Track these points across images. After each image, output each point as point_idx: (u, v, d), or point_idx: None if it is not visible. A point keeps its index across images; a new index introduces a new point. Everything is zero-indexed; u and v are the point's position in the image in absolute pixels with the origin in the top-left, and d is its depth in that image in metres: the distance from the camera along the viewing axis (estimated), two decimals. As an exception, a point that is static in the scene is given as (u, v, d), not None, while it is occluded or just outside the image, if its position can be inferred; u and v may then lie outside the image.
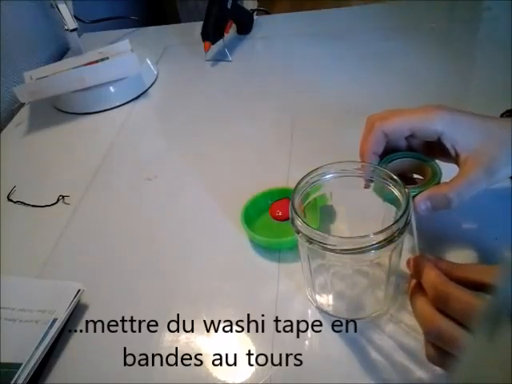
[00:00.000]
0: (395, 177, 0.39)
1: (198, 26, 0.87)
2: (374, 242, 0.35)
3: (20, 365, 0.42)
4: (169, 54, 0.95)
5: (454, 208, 0.41)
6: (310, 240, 0.37)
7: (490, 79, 0.70)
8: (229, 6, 0.87)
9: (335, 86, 0.77)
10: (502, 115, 0.53)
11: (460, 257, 0.47)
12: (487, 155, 0.40)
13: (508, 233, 0.48)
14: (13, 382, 0.41)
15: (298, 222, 0.38)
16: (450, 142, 0.42)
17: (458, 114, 0.42)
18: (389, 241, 0.36)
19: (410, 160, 0.45)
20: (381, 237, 0.35)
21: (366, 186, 0.43)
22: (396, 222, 0.36)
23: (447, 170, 0.44)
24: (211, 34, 0.85)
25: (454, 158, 0.42)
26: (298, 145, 0.65)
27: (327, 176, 0.42)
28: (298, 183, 0.41)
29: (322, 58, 0.84)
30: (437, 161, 0.46)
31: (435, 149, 0.44)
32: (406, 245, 0.40)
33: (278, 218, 0.54)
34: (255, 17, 0.99)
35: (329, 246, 0.36)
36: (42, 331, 0.44)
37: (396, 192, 0.39)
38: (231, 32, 0.93)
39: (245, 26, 0.96)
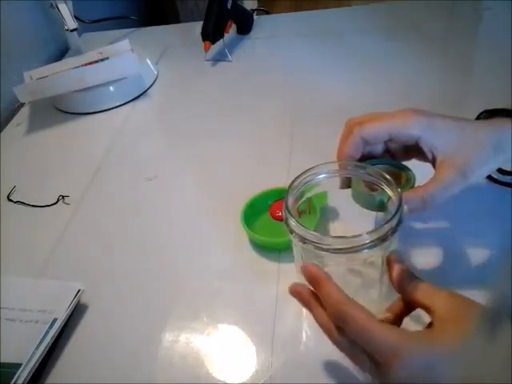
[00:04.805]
0: (388, 176, 0.39)
1: (198, 26, 0.87)
2: (367, 241, 0.36)
3: (20, 365, 0.42)
4: (169, 54, 0.95)
5: (428, 210, 0.42)
6: (304, 240, 0.37)
7: (490, 79, 0.70)
8: (229, 6, 0.87)
9: (335, 85, 0.76)
10: (478, 116, 0.53)
11: (459, 257, 0.47)
12: (462, 158, 0.41)
13: (508, 233, 0.48)
14: (13, 381, 0.41)
15: (292, 222, 0.38)
16: (428, 146, 0.43)
17: (434, 117, 0.43)
18: (382, 240, 0.36)
19: (384, 167, 0.45)
20: (374, 235, 0.36)
21: (343, 186, 0.44)
22: (388, 221, 0.36)
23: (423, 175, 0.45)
24: (211, 34, 0.85)
25: (431, 161, 0.44)
26: (297, 145, 0.65)
27: (321, 176, 0.42)
28: (292, 183, 0.41)
29: (322, 58, 0.84)
30: (414, 163, 0.46)
31: (413, 151, 0.45)
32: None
33: (278, 218, 0.54)
34: (255, 17, 0.99)
35: (322, 246, 0.36)
36: (42, 331, 0.44)
37: (389, 192, 0.39)
38: (231, 32, 0.93)
39: (245, 26, 0.96)
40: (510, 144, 0.41)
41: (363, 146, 0.44)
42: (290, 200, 0.40)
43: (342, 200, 0.48)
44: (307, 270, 0.37)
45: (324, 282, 0.36)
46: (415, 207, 0.41)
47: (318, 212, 0.50)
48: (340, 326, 0.35)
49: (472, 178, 0.41)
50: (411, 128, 0.42)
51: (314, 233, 0.36)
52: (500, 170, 0.51)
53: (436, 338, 0.33)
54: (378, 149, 0.46)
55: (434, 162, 0.43)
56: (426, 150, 0.43)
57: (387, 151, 0.47)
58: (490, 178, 0.52)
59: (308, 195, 0.43)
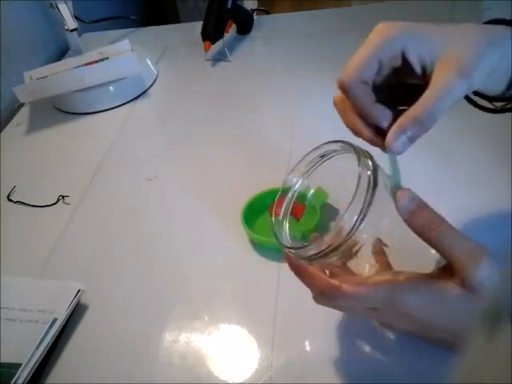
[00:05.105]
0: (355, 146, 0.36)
1: (198, 25, 0.87)
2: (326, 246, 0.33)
3: (20, 365, 0.42)
4: (169, 53, 0.95)
5: (431, 127, 0.35)
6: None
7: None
8: (229, 6, 0.87)
9: (336, 85, 0.76)
10: None
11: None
12: (455, 56, 0.35)
13: (508, 234, 0.48)
14: (13, 381, 0.41)
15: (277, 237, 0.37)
16: (415, 57, 0.36)
17: (413, 24, 0.38)
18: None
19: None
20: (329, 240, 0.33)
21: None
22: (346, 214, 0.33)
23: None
24: (211, 34, 0.85)
25: (421, 76, 0.38)
26: (297, 145, 0.65)
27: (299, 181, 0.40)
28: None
29: (322, 58, 0.84)
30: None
31: (402, 74, 0.39)
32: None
33: (278, 218, 0.53)
34: (255, 17, 0.99)
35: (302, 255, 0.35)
36: (42, 331, 0.44)
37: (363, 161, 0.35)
38: (231, 32, 0.93)
39: (245, 26, 0.96)
40: (503, 37, 0.37)
41: (366, 90, 0.37)
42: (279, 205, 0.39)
43: (342, 196, 0.47)
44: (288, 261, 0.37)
45: (304, 269, 0.36)
46: (415, 133, 0.35)
47: (318, 211, 0.49)
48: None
49: (473, 77, 0.35)
50: (395, 39, 0.36)
51: (286, 245, 0.36)
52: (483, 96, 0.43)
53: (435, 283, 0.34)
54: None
55: (425, 77, 0.37)
56: (414, 62, 0.37)
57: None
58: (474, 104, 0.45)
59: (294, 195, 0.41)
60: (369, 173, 0.34)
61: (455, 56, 0.35)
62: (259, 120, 0.72)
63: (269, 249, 0.51)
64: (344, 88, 0.37)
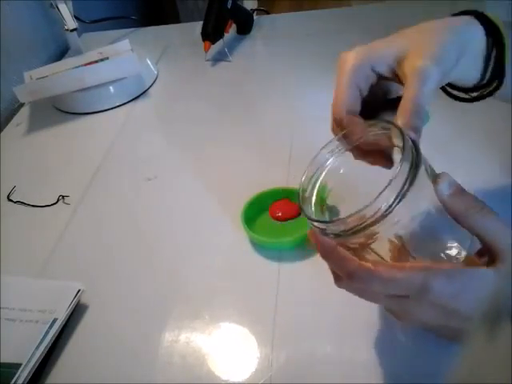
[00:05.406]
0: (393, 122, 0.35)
1: (197, 25, 0.87)
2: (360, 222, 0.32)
3: (20, 365, 0.42)
4: (169, 53, 0.95)
5: (422, 119, 0.36)
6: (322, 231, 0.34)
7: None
8: (229, 6, 0.87)
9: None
10: None
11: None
12: (420, 49, 0.37)
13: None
14: (13, 381, 0.41)
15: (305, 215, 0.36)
16: (384, 67, 0.39)
17: (370, 43, 0.40)
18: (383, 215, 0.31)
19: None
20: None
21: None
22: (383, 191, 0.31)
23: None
24: (211, 34, 0.85)
25: (395, 79, 0.39)
26: (298, 145, 0.65)
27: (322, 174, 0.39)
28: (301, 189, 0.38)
29: (322, 58, 0.84)
30: None
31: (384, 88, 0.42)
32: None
33: (278, 218, 0.54)
34: (255, 17, 0.99)
35: (328, 231, 0.34)
36: (42, 331, 0.44)
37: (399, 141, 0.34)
38: (231, 32, 0.93)
39: (245, 26, 0.96)
40: (466, 24, 0.39)
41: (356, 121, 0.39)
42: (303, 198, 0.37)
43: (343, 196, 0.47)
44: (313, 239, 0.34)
45: (343, 259, 0.34)
46: (416, 125, 0.35)
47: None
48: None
49: (444, 64, 0.37)
50: (362, 61, 0.39)
51: (317, 222, 0.34)
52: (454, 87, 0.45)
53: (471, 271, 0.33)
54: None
55: (400, 80, 0.39)
56: (385, 73, 0.39)
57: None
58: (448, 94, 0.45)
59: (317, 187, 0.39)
60: (413, 150, 0.33)
61: (418, 50, 0.37)
62: (259, 120, 0.72)
63: (269, 249, 0.51)
64: (339, 124, 0.40)
